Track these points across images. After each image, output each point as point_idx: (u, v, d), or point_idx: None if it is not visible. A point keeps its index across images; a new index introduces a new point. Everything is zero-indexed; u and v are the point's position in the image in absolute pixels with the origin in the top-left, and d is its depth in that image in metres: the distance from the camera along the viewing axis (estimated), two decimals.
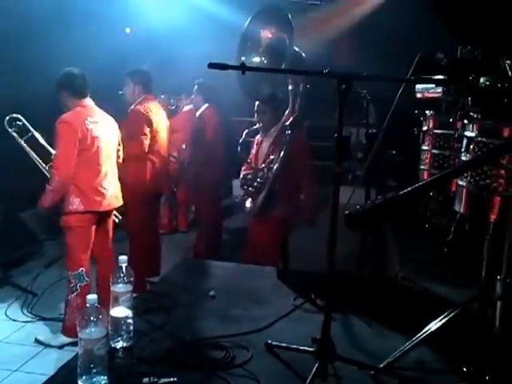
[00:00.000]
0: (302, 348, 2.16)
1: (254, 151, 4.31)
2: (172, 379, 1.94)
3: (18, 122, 4.44)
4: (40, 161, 4.45)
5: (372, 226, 3.62)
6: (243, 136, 4.37)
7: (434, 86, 2.28)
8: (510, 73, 1.82)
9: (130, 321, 2.19)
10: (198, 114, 5.99)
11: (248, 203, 4.16)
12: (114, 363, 2.05)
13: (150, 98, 4.99)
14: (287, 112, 3.89)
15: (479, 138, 1.93)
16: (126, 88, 4.90)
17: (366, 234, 4.03)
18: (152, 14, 7.79)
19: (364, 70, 2.01)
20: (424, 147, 2.47)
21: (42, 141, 4.51)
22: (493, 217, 1.89)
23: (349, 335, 2.45)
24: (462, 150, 2.06)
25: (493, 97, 1.89)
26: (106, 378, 1.88)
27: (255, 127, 4.30)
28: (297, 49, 3.43)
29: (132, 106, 4.88)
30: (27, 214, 6.21)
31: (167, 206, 7.29)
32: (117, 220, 4.60)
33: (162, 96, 6.72)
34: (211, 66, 1.77)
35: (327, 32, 7.00)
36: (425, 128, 2.48)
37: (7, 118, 4.46)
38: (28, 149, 4.42)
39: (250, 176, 4.13)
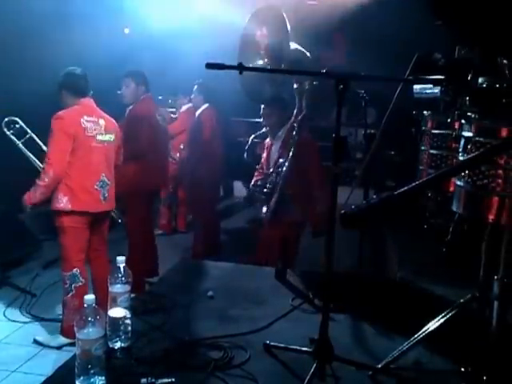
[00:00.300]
0: (299, 348, 2.17)
1: (264, 155, 4.29)
2: (170, 380, 1.94)
3: (15, 125, 4.43)
4: (39, 163, 4.45)
5: (367, 226, 3.65)
6: (249, 141, 4.35)
7: (431, 86, 2.28)
8: (507, 72, 1.82)
9: (128, 321, 2.19)
10: (197, 114, 5.99)
11: (264, 208, 4.11)
12: (111, 364, 2.04)
13: (149, 99, 4.99)
14: (295, 112, 3.87)
15: (477, 138, 1.93)
16: (125, 88, 4.90)
17: (365, 235, 4.04)
18: (150, 14, 7.78)
19: (361, 71, 2.01)
20: (422, 147, 2.47)
21: (40, 143, 4.51)
22: (491, 217, 1.89)
23: (347, 335, 2.45)
24: (460, 150, 2.06)
25: (490, 97, 1.89)
26: (103, 378, 1.88)
27: (262, 131, 4.28)
28: (299, 47, 3.43)
29: (131, 107, 4.89)
30: (26, 214, 6.21)
31: (167, 207, 7.28)
32: (120, 221, 4.59)
33: (160, 97, 6.73)
34: (208, 66, 1.77)
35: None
36: (423, 128, 2.48)
37: (5, 120, 4.45)
38: (26, 151, 4.42)
39: (259, 182, 4.13)
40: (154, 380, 1.92)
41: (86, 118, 3.85)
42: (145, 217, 5.07)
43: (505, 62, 1.86)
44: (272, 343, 2.26)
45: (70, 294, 3.87)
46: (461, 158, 2.03)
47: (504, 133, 1.84)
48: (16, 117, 4.55)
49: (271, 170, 4.06)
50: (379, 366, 2.12)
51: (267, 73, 3.12)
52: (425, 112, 2.45)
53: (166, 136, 5.45)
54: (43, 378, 2.07)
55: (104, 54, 6.37)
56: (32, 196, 3.82)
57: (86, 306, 1.86)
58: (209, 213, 6.03)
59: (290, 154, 3.88)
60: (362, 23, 6.78)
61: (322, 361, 2.01)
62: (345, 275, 3.03)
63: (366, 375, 2.11)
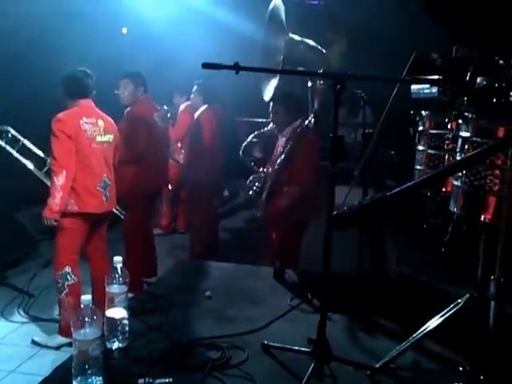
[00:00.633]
0: (297, 348, 2.17)
1: (274, 153, 4.29)
2: (168, 380, 1.94)
3: (8, 134, 4.41)
4: (33, 168, 4.43)
5: (359, 225, 3.65)
6: (248, 140, 4.34)
7: (429, 86, 2.28)
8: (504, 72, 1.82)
9: (126, 321, 2.19)
10: (196, 115, 5.97)
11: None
12: (109, 364, 2.04)
13: (147, 100, 4.99)
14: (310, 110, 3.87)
15: (474, 138, 1.93)
16: (123, 89, 4.89)
17: (364, 235, 4.04)
18: (149, 14, 7.78)
19: (359, 71, 2.01)
20: (419, 147, 2.47)
21: (34, 149, 4.51)
22: (488, 217, 1.89)
23: (345, 335, 2.45)
24: (457, 150, 2.06)
25: (488, 97, 1.89)
26: (101, 378, 1.88)
27: (264, 130, 4.27)
28: (313, 43, 3.43)
29: (129, 108, 4.88)
30: (23, 214, 6.21)
31: (169, 207, 7.28)
32: (122, 216, 4.59)
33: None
34: (205, 65, 1.77)
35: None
36: (420, 128, 2.47)
37: None
38: (21, 158, 4.40)
39: (251, 179, 4.14)
40: (151, 380, 1.92)
41: (85, 119, 3.85)
42: (144, 217, 5.06)
43: (501, 61, 1.86)
44: (270, 343, 2.26)
45: (63, 292, 3.86)
46: (458, 158, 2.03)
47: (501, 133, 1.84)
48: (15, 117, 4.54)
49: (269, 167, 4.07)
50: (377, 365, 2.12)
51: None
52: (422, 112, 2.45)
53: (165, 137, 5.44)
54: (41, 379, 2.07)
55: (102, 53, 6.37)
56: (52, 205, 3.70)
57: (82, 306, 1.85)
58: (207, 213, 6.02)
59: (288, 147, 3.90)
60: (358, 23, 6.79)
61: (320, 361, 2.01)
62: (343, 275, 3.03)
63: (364, 375, 2.11)
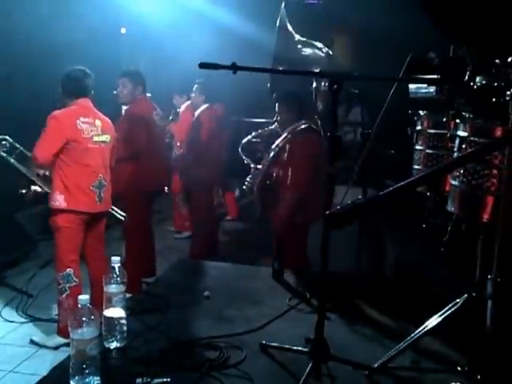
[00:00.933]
0: (295, 348, 2.16)
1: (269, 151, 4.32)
2: (165, 380, 1.94)
3: (5, 143, 4.41)
4: (32, 176, 4.41)
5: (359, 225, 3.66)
6: (247, 137, 4.36)
7: (426, 85, 2.28)
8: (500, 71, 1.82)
9: (124, 321, 2.19)
10: (196, 114, 5.97)
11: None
12: (107, 364, 2.04)
13: (145, 99, 4.99)
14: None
15: (471, 138, 1.93)
16: (122, 88, 4.89)
17: (363, 234, 4.04)
18: (148, 14, 7.78)
19: (356, 70, 2.00)
20: (417, 147, 2.47)
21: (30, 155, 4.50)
22: (486, 216, 1.89)
23: (344, 335, 2.44)
24: (455, 149, 2.06)
25: (485, 96, 1.90)
26: (98, 378, 1.87)
27: (264, 129, 4.29)
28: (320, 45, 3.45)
29: (127, 107, 4.88)
30: (22, 214, 6.20)
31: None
32: (122, 218, 4.58)
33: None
34: (202, 65, 1.77)
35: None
36: (418, 128, 2.48)
37: None
38: (19, 166, 4.40)
39: (248, 178, 4.17)
40: (149, 380, 1.92)
41: (82, 119, 3.85)
42: (143, 217, 5.06)
43: (497, 61, 1.86)
44: (268, 343, 2.26)
45: (65, 293, 3.87)
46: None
47: (498, 132, 1.84)
48: (13, 117, 4.53)
49: (263, 164, 4.10)
50: (375, 365, 2.12)
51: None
52: (420, 111, 2.45)
53: (163, 136, 5.44)
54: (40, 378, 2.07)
55: (101, 53, 6.37)
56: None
57: (80, 306, 1.85)
58: (207, 213, 6.02)
59: (280, 145, 3.96)
60: (355, 23, 6.80)
61: (318, 360, 2.01)
62: (341, 275, 3.03)
63: (362, 375, 2.10)
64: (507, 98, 1.75)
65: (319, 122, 4.04)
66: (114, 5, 7.19)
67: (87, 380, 1.85)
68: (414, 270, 3.65)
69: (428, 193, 2.54)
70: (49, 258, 5.36)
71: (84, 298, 1.87)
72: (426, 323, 2.22)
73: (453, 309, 2.17)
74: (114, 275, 2.17)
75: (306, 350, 2.07)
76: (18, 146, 4.24)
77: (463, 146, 1.96)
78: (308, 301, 2.74)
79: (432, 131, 2.39)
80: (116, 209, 4.48)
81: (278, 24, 3.69)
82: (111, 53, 6.92)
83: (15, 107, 5.57)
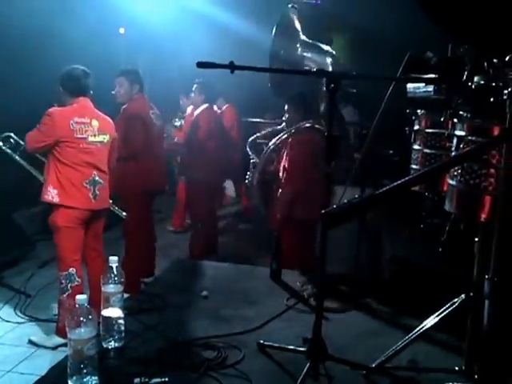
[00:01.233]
0: (293, 348, 2.17)
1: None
2: (163, 380, 1.93)
3: (10, 140, 4.42)
4: (35, 173, 4.42)
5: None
6: (254, 136, 4.49)
7: (424, 84, 2.28)
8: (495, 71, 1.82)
9: (122, 321, 2.18)
10: (195, 113, 5.95)
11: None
12: (105, 363, 2.04)
13: (142, 98, 4.99)
14: None
15: (469, 137, 1.93)
16: (119, 87, 4.89)
17: (362, 234, 4.04)
18: (146, 14, 7.78)
19: (353, 70, 2.00)
20: (415, 146, 2.47)
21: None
22: (483, 216, 1.89)
23: (341, 335, 2.44)
24: (453, 148, 2.06)
25: (483, 95, 1.90)
26: (96, 378, 1.87)
27: (271, 129, 4.37)
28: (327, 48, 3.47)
29: (125, 106, 4.88)
30: (20, 214, 6.20)
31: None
32: (124, 217, 4.58)
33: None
34: (200, 65, 1.77)
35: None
36: (416, 127, 2.47)
37: (2, 136, 4.44)
38: (23, 162, 4.40)
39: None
40: (147, 380, 1.92)
41: (76, 119, 3.84)
42: (143, 217, 5.05)
43: (495, 60, 1.86)
44: (266, 343, 2.26)
45: (67, 293, 3.86)
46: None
47: (496, 131, 1.84)
48: (12, 119, 4.54)
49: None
50: (373, 365, 2.12)
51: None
52: (418, 111, 2.45)
53: (161, 135, 5.43)
54: (38, 378, 2.07)
55: (99, 53, 6.37)
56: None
57: (78, 305, 1.85)
58: (206, 213, 6.02)
59: (281, 140, 4.06)
60: (353, 23, 6.80)
61: (316, 360, 2.01)
62: (339, 274, 3.03)
63: (359, 374, 2.11)
64: (505, 98, 1.75)
65: (323, 121, 4.09)
66: (113, 5, 7.19)
67: (85, 380, 1.85)
68: (412, 269, 3.65)
69: (426, 192, 2.54)
70: (47, 258, 5.38)
71: (82, 297, 1.87)
72: (424, 323, 2.22)
73: (450, 309, 2.17)
74: (112, 275, 2.16)
75: (303, 349, 2.07)
76: (22, 143, 4.25)
77: (461, 146, 1.96)
78: (305, 301, 2.74)
79: (430, 131, 2.39)
80: (116, 208, 4.47)
81: (277, 23, 3.69)
82: (110, 53, 6.91)
83: (15, 108, 5.57)
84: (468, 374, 2.07)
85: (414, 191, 2.48)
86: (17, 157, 4.39)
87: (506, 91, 1.74)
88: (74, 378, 1.84)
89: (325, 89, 3.65)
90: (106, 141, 4.05)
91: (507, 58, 1.81)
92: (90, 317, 1.85)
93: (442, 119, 2.23)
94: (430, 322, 2.20)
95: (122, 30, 8.65)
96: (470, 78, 1.94)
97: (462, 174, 1.92)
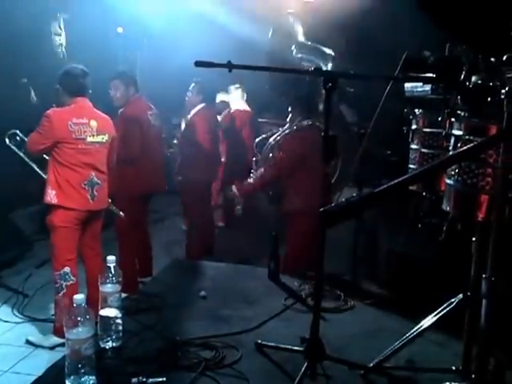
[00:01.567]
0: (290, 348, 2.17)
1: None
2: (161, 379, 1.93)
3: (16, 137, 4.43)
4: (39, 170, 4.41)
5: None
6: (261, 136, 4.52)
7: (422, 84, 2.28)
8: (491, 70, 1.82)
9: (119, 321, 2.18)
10: (192, 112, 5.93)
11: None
12: (102, 363, 2.04)
13: (139, 99, 4.98)
14: None
15: (467, 137, 1.93)
16: (114, 91, 4.88)
17: (359, 233, 4.05)
18: (145, 13, 7.77)
19: (351, 69, 2.01)
20: (413, 146, 2.47)
21: None
22: (481, 215, 1.89)
23: (339, 335, 2.44)
24: (450, 148, 2.06)
25: (481, 95, 1.90)
26: (94, 378, 1.87)
27: (278, 129, 4.42)
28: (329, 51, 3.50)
29: (122, 109, 4.87)
30: (18, 214, 6.19)
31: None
32: (122, 216, 4.57)
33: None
34: (198, 64, 1.77)
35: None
36: (414, 126, 2.48)
37: (8, 133, 4.45)
38: (27, 160, 4.40)
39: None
40: (144, 380, 1.92)
41: (74, 120, 3.83)
42: (137, 218, 5.04)
43: (492, 59, 1.86)
44: (264, 342, 2.26)
45: (62, 292, 3.86)
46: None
47: (493, 131, 1.84)
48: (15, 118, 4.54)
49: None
50: (371, 365, 2.12)
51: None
52: (416, 110, 2.45)
53: (159, 135, 5.42)
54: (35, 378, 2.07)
55: (98, 53, 6.36)
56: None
57: (75, 305, 1.85)
58: (203, 213, 6.01)
59: (278, 138, 4.13)
60: (351, 22, 6.78)
61: (314, 360, 2.01)
62: (337, 274, 3.04)
63: (357, 374, 2.11)
64: (502, 97, 1.75)
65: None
66: (111, 4, 7.18)
67: (83, 380, 1.85)
68: (409, 269, 3.65)
69: (424, 192, 2.54)
70: (45, 258, 5.35)
71: (79, 297, 1.86)
72: (422, 323, 2.22)
73: (448, 308, 2.17)
74: (110, 275, 2.17)
75: (301, 349, 2.07)
76: (27, 139, 4.25)
77: (458, 145, 1.96)
78: (303, 300, 2.74)
79: (427, 130, 2.39)
80: (115, 208, 4.47)
81: (273, 28, 3.72)
82: (108, 53, 6.90)
83: (15, 109, 5.57)
84: (465, 374, 2.07)
85: (412, 191, 2.49)
86: (22, 154, 4.39)
87: (503, 91, 1.74)
88: (72, 377, 1.84)
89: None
90: (105, 140, 4.04)
91: (504, 58, 1.81)
92: (88, 316, 1.85)
93: (439, 118, 2.24)
94: (428, 321, 2.20)
95: (120, 30, 8.64)
96: (467, 77, 1.94)
97: (460, 173, 1.92)
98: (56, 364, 2.09)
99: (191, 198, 5.86)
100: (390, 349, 2.16)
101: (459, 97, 2.00)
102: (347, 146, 3.88)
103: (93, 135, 3.93)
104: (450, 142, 2.10)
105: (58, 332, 3.87)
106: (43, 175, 4.12)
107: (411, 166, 2.47)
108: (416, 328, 2.21)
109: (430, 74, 2.09)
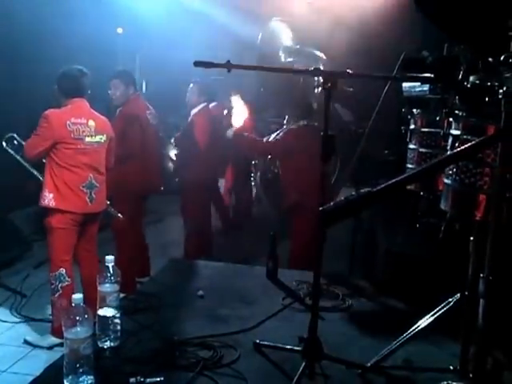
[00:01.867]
0: (288, 347, 2.17)
1: None
2: (159, 379, 1.94)
3: (13, 141, 4.42)
4: (37, 173, 4.41)
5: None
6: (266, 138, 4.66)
7: (420, 84, 2.28)
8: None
9: (117, 321, 2.18)
10: (192, 113, 5.92)
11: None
12: (100, 363, 2.04)
13: (138, 98, 4.98)
14: None
15: (464, 136, 1.94)
16: (114, 90, 4.88)
17: (357, 232, 4.06)
18: (144, 13, 7.76)
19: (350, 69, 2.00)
20: (411, 146, 2.47)
21: None
22: (478, 215, 1.89)
23: (337, 334, 2.45)
24: (448, 147, 2.07)
25: (479, 95, 1.90)
26: (92, 377, 1.87)
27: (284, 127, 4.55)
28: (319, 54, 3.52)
29: (121, 108, 4.87)
30: (17, 215, 6.18)
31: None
32: (120, 218, 4.56)
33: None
34: (197, 64, 1.77)
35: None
36: (412, 126, 2.48)
37: (6, 136, 4.44)
38: (25, 163, 4.40)
39: None
40: (142, 379, 1.92)
41: (73, 120, 3.82)
42: (132, 218, 5.02)
43: (490, 59, 1.86)
44: (262, 342, 2.26)
45: (57, 293, 3.85)
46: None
47: (491, 130, 1.84)
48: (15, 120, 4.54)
49: None
50: (368, 364, 2.13)
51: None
52: (414, 110, 2.46)
53: (158, 135, 5.41)
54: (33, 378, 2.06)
55: (97, 53, 6.35)
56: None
57: (74, 305, 1.85)
58: (201, 213, 6.00)
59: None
60: (350, 22, 6.79)
61: (312, 359, 2.01)
62: (335, 274, 3.04)
63: (355, 374, 2.11)
64: (500, 97, 1.75)
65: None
66: (111, 5, 7.17)
67: (81, 379, 1.85)
68: (407, 268, 3.66)
69: (422, 192, 2.54)
70: (43, 258, 5.34)
71: (78, 297, 1.86)
72: (419, 322, 2.22)
73: (445, 308, 2.17)
74: (108, 274, 2.17)
75: (299, 349, 2.07)
76: (24, 143, 4.25)
77: (456, 145, 1.96)
78: (301, 300, 2.74)
79: (425, 130, 2.39)
80: (113, 209, 4.46)
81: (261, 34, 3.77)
82: (107, 53, 6.89)
83: (15, 108, 5.57)
84: (463, 373, 2.07)
85: (410, 190, 2.49)
86: (19, 157, 4.38)
87: (501, 90, 1.74)
88: (70, 377, 1.84)
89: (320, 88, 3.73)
90: (103, 141, 4.03)
91: (502, 58, 1.82)
92: (86, 316, 1.85)
93: (437, 118, 2.24)
94: (426, 321, 2.20)
95: (119, 30, 8.63)
96: (465, 77, 1.94)
97: (458, 172, 1.92)
98: (54, 364, 2.08)
99: (190, 198, 5.86)
100: (387, 348, 2.17)
101: (457, 96, 2.01)
102: (345, 146, 3.90)
103: (91, 135, 3.92)
104: (447, 141, 2.11)
105: (56, 332, 3.86)
106: (40, 178, 4.11)
107: (409, 165, 2.48)
108: (414, 327, 2.21)
109: (428, 74, 2.09)
